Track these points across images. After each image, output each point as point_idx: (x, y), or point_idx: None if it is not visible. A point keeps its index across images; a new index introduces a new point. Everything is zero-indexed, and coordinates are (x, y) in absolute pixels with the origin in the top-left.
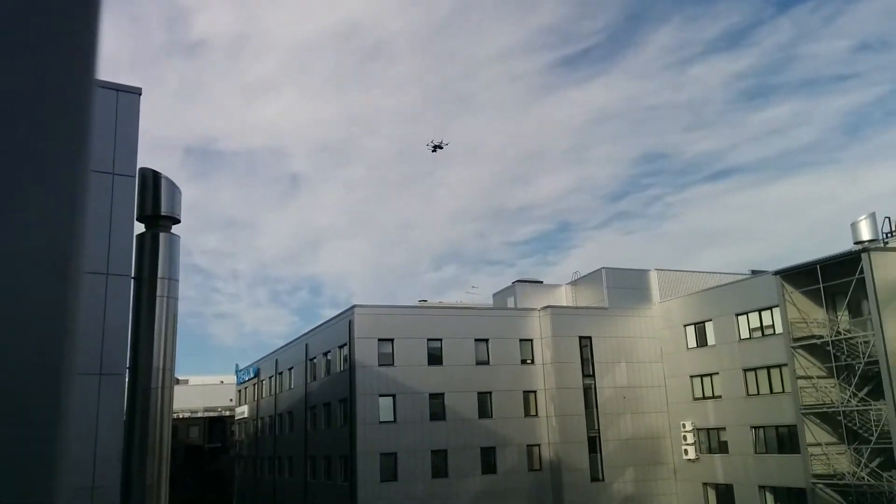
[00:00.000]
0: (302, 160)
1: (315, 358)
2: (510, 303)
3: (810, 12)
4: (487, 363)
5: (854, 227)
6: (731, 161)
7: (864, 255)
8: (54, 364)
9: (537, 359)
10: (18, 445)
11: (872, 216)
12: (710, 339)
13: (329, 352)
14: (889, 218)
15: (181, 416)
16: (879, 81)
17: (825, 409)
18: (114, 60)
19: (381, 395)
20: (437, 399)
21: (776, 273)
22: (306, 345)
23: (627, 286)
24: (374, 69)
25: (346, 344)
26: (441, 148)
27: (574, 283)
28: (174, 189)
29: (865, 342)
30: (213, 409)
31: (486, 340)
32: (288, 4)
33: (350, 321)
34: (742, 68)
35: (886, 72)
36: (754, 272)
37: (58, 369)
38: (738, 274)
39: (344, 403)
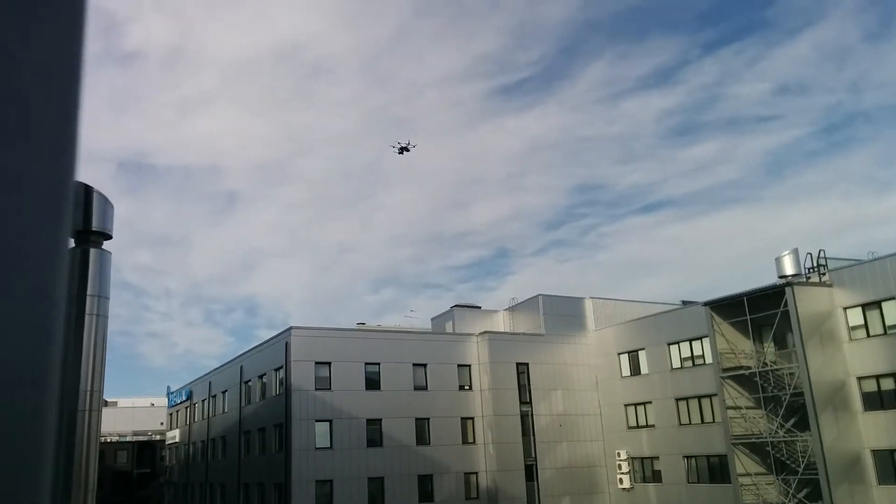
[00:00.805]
0: (238, 178)
1: (250, 381)
2: (448, 327)
3: (734, 55)
4: (425, 388)
5: (778, 261)
6: (660, 194)
7: (787, 290)
8: (38, 378)
9: (475, 385)
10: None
11: (795, 252)
12: (644, 368)
13: (265, 374)
14: (811, 254)
15: (109, 440)
16: (798, 123)
17: (754, 440)
18: None
19: (317, 421)
20: (374, 425)
21: (705, 304)
22: (241, 367)
23: (563, 313)
24: (314, 89)
25: (282, 367)
26: (408, 150)
27: (511, 308)
28: (106, 204)
29: (791, 374)
30: (143, 433)
31: (425, 365)
32: (227, 19)
33: (287, 343)
34: (671, 105)
35: (805, 114)
36: (685, 302)
37: (41, 383)
38: (669, 304)
39: (279, 429)
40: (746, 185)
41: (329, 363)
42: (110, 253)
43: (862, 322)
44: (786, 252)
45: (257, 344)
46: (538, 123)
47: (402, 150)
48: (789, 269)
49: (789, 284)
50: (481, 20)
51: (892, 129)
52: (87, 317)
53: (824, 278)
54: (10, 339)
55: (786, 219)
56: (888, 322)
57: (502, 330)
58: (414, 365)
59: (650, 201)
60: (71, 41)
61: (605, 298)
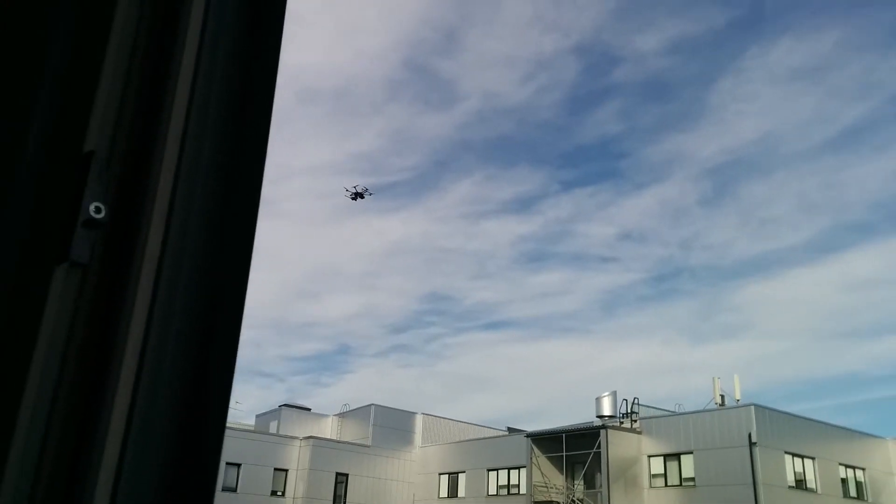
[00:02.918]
0: None
1: None
2: (273, 427)
3: (588, 197)
4: (234, 490)
5: (598, 401)
6: (505, 314)
7: (602, 432)
8: None
9: (289, 492)
10: None
11: (614, 394)
12: (461, 491)
13: None
14: (626, 400)
15: None
16: (634, 270)
17: None
18: None
19: None
20: None
21: (527, 436)
22: None
23: (393, 426)
24: None
25: None
26: (362, 197)
27: (342, 414)
28: None
29: None
30: None
31: (239, 465)
32: None
33: None
34: (527, 232)
35: (641, 262)
36: (510, 429)
37: None
38: (495, 429)
39: None
40: (582, 317)
41: None
42: None
43: (662, 471)
44: (606, 393)
45: None
46: (403, 228)
47: (356, 196)
48: (607, 411)
49: (604, 427)
50: (363, 119)
51: (712, 289)
52: None
53: (635, 425)
54: None
55: (613, 355)
56: (684, 475)
57: (329, 436)
58: (227, 464)
59: (495, 319)
60: None
61: (436, 416)
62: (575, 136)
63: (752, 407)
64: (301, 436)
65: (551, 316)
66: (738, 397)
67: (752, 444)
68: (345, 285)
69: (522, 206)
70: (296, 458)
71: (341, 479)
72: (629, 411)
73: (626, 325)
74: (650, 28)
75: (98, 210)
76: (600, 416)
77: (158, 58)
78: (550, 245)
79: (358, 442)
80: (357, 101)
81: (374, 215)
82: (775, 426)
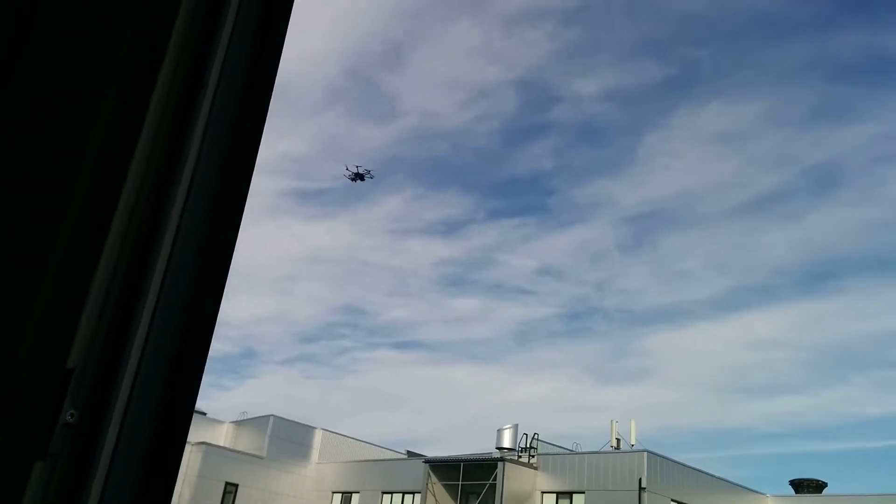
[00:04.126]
0: None
1: None
2: None
3: (513, 228)
4: None
5: (499, 433)
6: (419, 334)
7: (500, 464)
8: None
9: (173, 498)
10: None
11: (515, 427)
12: None
13: None
14: (527, 434)
15: None
16: (549, 305)
17: None
18: None
19: None
20: None
21: (426, 461)
22: None
23: (291, 439)
24: None
25: None
26: (362, 179)
27: (239, 422)
28: None
29: None
30: None
31: None
32: None
33: None
34: (449, 255)
35: (557, 298)
36: (410, 453)
37: None
38: (395, 451)
39: None
40: (494, 346)
41: None
42: None
43: None
44: (507, 426)
45: None
46: (326, 236)
47: (356, 177)
48: (507, 443)
49: (502, 459)
50: (299, 121)
51: (622, 332)
52: None
53: (533, 460)
54: None
55: (519, 387)
56: None
57: (223, 443)
58: None
59: (408, 339)
60: None
61: (336, 433)
62: (507, 166)
63: (645, 453)
64: (192, 441)
65: (464, 342)
66: (633, 442)
67: (641, 489)
68: (258, 287)
69: (448, 229)
70: (184, 464)
71: (230, 490)
72: (528, 446)
73: (535, 359)
74: (590, 73)
75: (72, 416)
76: (500, 448)
77: (133, 288)
78: (471, 271)
79: (252, 452)
80: (293, 101)
81: (298, 220)
82: (665, 474)
